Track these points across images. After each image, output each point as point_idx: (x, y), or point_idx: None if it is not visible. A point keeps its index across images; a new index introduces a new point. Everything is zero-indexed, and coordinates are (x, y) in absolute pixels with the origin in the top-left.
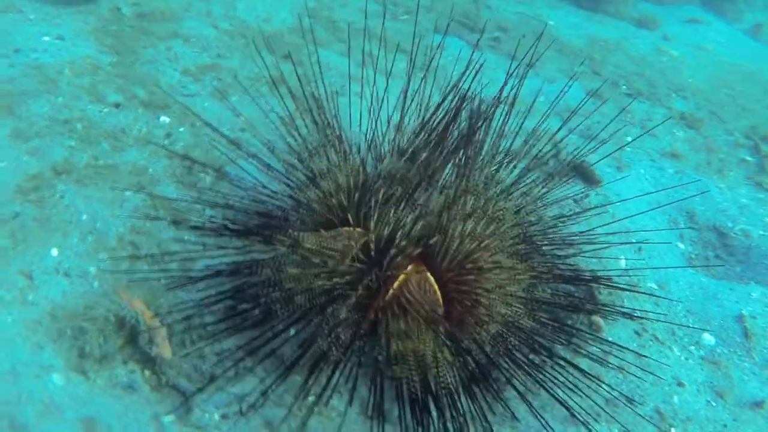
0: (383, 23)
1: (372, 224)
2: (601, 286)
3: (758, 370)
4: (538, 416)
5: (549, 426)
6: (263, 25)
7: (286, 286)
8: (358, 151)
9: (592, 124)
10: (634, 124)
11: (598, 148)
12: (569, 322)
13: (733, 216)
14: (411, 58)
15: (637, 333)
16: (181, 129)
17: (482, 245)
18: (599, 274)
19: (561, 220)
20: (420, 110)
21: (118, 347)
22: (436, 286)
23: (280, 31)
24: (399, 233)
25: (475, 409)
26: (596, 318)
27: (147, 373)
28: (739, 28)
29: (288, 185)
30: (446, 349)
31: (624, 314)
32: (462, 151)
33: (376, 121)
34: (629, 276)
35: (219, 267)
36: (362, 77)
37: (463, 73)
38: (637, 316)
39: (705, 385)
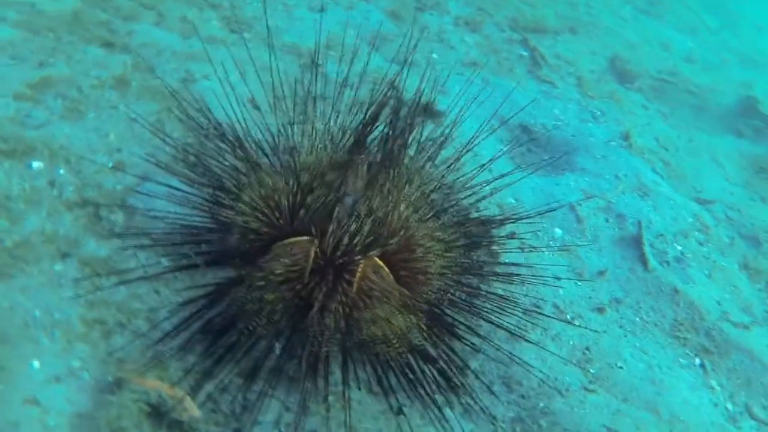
0: None
1: (330, 230)
2: (494, 223)
3: (593, 245)
4: (489, 341)
5: (501, 347)
6: (55, 6)
7: (266, 311)
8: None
9: (399, 48)
10: (433, 40)
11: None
12: (476, 258)
13: (531, 111)
14: None
15: (520, 249)
16: (61, 171)
17: (416, 223)
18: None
19: (447, 169)
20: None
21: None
22: (387, 269)
23: (78, 9)
24: (357, 239)
25: (445, 352)
26: (494, 248)
27: None
28: None
29: (207, 205)
30: (413, 316)
31: (509, 238)
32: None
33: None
34: (492, 197)
35: (188, 314)
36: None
37: None
38: (519, 238)
39: (569, 271)
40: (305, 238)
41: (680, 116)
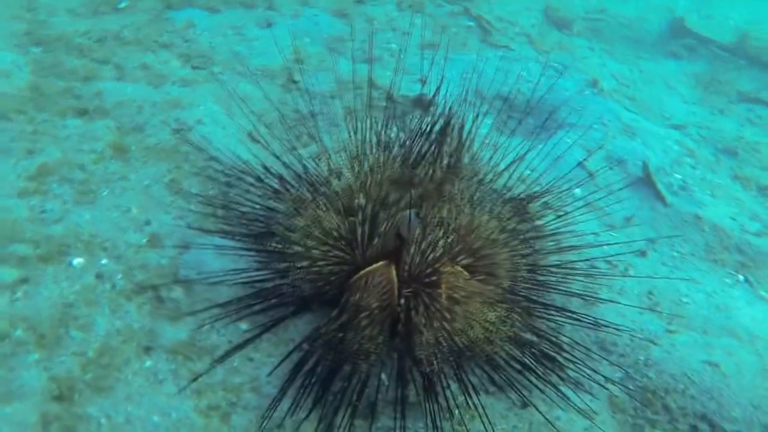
0: None
1: (413, 249)
2: (536, 198)
3: (612, 195)
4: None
5: (580, 313)
6: (9, 84)
7: (366, 345)
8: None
9: (360, 46)
10: (386, 29)
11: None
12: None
13: (501, 79)
14: None
15: (558, 217)
16: (103, 261)
17: (482, 222)
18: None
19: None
20: None
21: None
22: (465, 272)
23: (34, 82)
24: (440, 251)
25: (538, 334)
26: (537, 222)
27: None
28: None
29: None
30: (504, 310)
31: (547, 209)
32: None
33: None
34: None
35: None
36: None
37: None
38: (550, 206)
39: (601, 225)
40: (381, 263)
41: (622, 51)
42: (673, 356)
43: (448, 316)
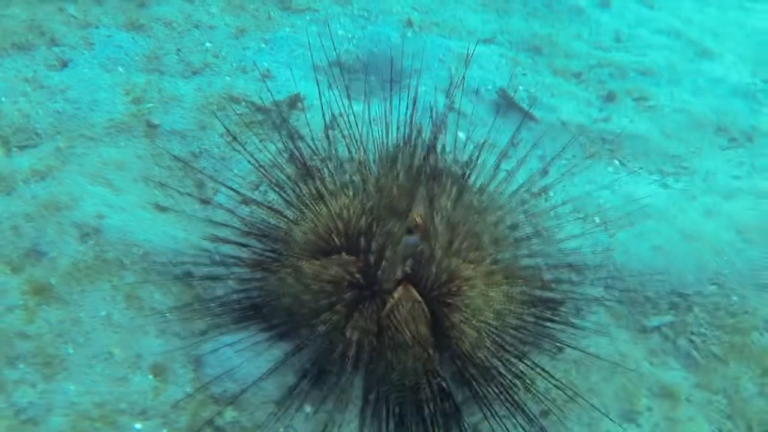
0: None
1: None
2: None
3: (495, 127)
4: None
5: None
6: None
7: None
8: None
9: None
10: (188, 28)
11: None
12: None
13: (328, 45)
14: None
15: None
16: (137, 426)
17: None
18: None
19: None
20: None
21: None
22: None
23: None
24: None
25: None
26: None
27: None
28: None
29: None
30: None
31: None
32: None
33: None
34: None
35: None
36: None
37: None
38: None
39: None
40: (400, 289)
41: None
42: (630, 255)
43: (481, 314)
